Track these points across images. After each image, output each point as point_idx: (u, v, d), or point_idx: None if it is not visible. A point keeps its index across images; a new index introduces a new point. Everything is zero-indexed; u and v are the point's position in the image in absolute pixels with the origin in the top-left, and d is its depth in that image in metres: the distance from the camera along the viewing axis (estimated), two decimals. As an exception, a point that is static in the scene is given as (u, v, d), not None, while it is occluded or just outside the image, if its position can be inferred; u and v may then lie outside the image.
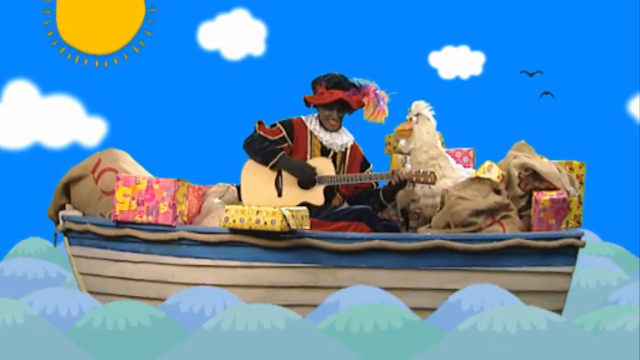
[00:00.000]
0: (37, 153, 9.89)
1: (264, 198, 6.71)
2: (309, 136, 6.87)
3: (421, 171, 6.66)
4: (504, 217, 6.54)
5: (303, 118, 6.92)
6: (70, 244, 6.78)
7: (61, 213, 6.82)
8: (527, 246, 6.38)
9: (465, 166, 7.03)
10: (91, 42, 9.77)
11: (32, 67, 9.84)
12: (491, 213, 6.52)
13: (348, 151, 6.90)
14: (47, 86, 9.90)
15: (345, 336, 5.34)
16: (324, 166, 6.77)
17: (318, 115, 6.89)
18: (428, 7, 10.22)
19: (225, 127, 9.52)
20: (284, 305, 6.04)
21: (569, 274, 6.49)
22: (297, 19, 10.07)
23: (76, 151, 9.74)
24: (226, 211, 6.36)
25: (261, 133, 6.79)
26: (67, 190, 6.82)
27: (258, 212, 6.26)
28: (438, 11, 10.23)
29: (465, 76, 10.34)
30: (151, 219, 6.48)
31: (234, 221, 6.31)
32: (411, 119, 6.86)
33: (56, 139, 9.91)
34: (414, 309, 6.09)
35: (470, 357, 4.87)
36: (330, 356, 5.03)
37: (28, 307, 5.18)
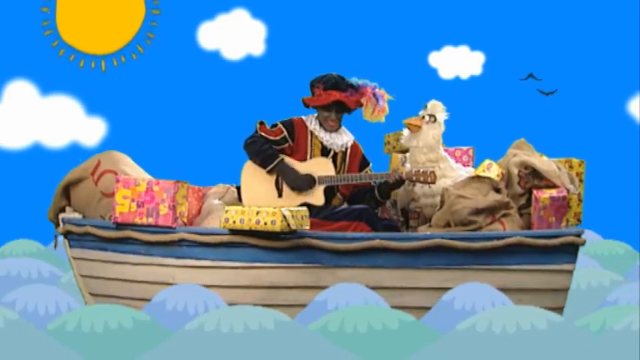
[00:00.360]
0: (36, 153, 9.90)
1: (265, 198, 6.70)
2: (309, 136, 6.86)
3: (421, 170, 6.65)
4: (504, 215, 6.54)
5: (303, 118, 6.92)
6: (71, 246, 6.78)
7: (61, 215, 6.81)
8: (528, 244, 6.38)
9: (464, 165, 7.03)
10: (91, 42, 9.77)
11: (32, 67, 9.86)
12: (492, 211, 6.51)
13: (349, 151, 6.89)
14: (47, 86, 9.91)
15: (338, 337, 5.34)
16: (324, 167, 6.77)
17: (318, 116, 6.89)
18: (428, 7, 10.23)
19: (225, 127, 9.53)
20: (285, 306, 6.09)
21: (570, 272, 6.48)
22: (297, 19, 10.07)
23: (75, 151, 9.76)
24: (226, 212, 6.36)
25: (262, 133, 6.79)
26: (66, 192, 6.81)
27: (258, 213, 6.25)
28: (438, 11, 10.24)
29: (464, 76, 10.35)
30: (151, 220, 6.47)
31: (234, 222, 6.30)
32: (423, 117, 6.83)
33: (56, 139, 9.93)
34: (415, 308, 6.10)
35: (469, 357, 4.87)
36: (318, 356, 5.03)
37: (5, 310, 5.17)
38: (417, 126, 6.81)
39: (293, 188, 6.71)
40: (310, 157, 6.83)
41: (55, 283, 7.50)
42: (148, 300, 6.24)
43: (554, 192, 6.50)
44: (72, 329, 5.36)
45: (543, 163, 6.59)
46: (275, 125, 6.84)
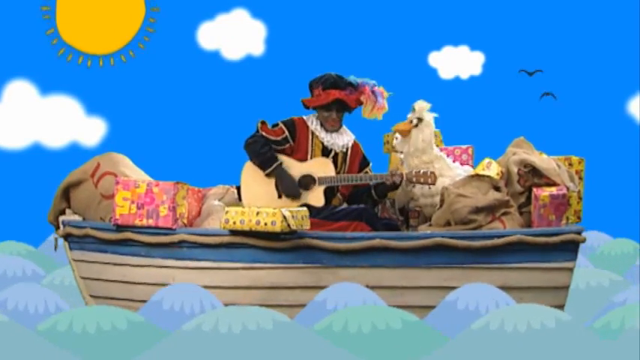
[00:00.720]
0: (36, 153, 9.90)
1: (264, 199, 6.70)
2: (310, 136, 6.85)
3: (421, 171, 6.64)
4: (504, 213, 6.53)
5: (304, 118, 6.90)
6: (71, 248, 6.78)
7: (61, 218, 6.81)
8: (528, 242, 6.38)
9: (463, 164, 7.02)
10: (91, 42, 9.77)
11: (32, 67, 9.85)
12: (491, 210, 6.51)
13: (349, 151, 6.88)
14: (47, 86, 9.91)
15: (342, 337, 5.33)
16: (324, 167, 6.75)
17: (318, 116, 6.88)
18: (427, 7, 10.22)
19: (225, 127, 9.52)
20: (286, 306, 6.08)
21: (570, 270, 6.48)
22: (297, 19, 10.07)
23: (75, 151, 9.76)
24: (226, 212, 6.35)
25: (263, 133, 6.77)
26: (66, 194, 6.81)
27: (258, 213, 6.25)
28: (438, 11, 10.24)
29: (464, 76, 10.35)
30: (151, 222, 6.47)
31: (234, 223, 6.30)
32: (411, 121, 6.84)
33: (56, 139, 9.92)
34: (416, 307, 6.09)
35: (484, 356, 4.88)
36: (317, 356, 5.02)
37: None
38: (407, 130, 6.81)
39: (286, 195, 6.69)
40: (311, 157, 6.82)
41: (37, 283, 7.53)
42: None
43: (553, 190, 6.49)
44: (64, 329, 5.36)
45: (543, 161, 6.59)
46: (276, 125, 6.83)
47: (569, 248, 6.45)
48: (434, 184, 6.63)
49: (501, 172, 6.62)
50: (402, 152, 6.91)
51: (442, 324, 5.70)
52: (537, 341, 4.92)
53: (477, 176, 6.62)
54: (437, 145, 6.98)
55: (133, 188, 6.48)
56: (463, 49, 10.35)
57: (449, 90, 10.18)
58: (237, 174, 6.82)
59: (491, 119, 10.01)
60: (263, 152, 6.73)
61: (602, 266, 8.19)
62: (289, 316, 5.38)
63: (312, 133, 6.85)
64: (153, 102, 9.95)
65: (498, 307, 5.60)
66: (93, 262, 6.68)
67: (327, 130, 6.85)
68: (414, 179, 6.62)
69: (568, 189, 6.54)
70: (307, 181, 6.73)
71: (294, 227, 6.25)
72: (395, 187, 6.71)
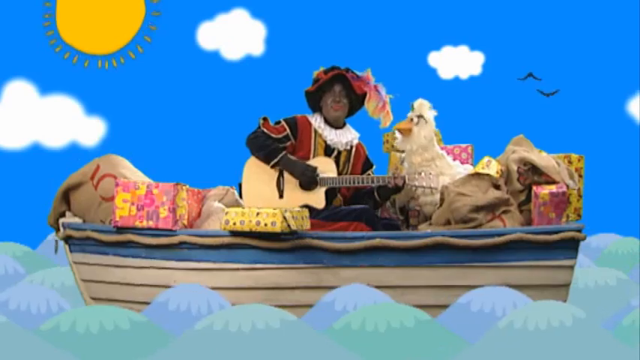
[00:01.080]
0: (36, 153, 9.90)
1: (265, 198, 6.69)
2: (313, 135, 6.82)
3: (423, 174, 6.59)
4: (504, 212, 6.53)
5: (308, 116, 6.88)
6: (71, 251, 6.78)
7: (61, 220, 6.81)
8: (528, 240, 6.37)
9: (463, 162, 7.02)
10: (91, 42, 9.77)
11: (31, 67, 9.86)
12: (492, 208, 6.51)
13: (353, 150, 6.85)
14: (46, 86, 9.92)
15: (360, 336, 5.35)
16: (326, 167, 6.73)
17: (323, 111, 6.84)
18: (427, 7, 10.23)
19: (225, 127, 9.53)
20: (287, 306, 6.06)
21: (571, 267, 6.47)
22: (297, 19, 10.08)
23: (75, 151, 9.77)
24: (226, 213, 6.35)
25: (265, 130, 6.75)
26: (66, 197, 6.81)
27: (258, 214, 6.25)
28: (438, 11, 10.24)
29: (464, 76, 10.35)
30: (151, 224, 6.47)
31: (234, 224, 6.30)
32: (412, 119, 6.83)
33: (55, 139, 9.93)
34: (417, 306, 6.07)
35: (515, 354, 4.92)
36: (324, 356, 5.01)
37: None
38: (408, 129, 6.80)
39: (303, 178, 6.66)
40: (313, 156, 6.79)
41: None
42: (150, 303, 6.24)
43: (553, 188, 6.49)
44: (66, 330, 5.37)
45: (542, 159, 6.59)
46: (278, 122, 6.80)
47: (570, 246, 6.44)
48: (436, 188, 6.60)
49: (501, 170, 6.62)
50: (403, 151, 6.90)
51: (457, 326, 5.70)
52: (563, 339, 4.96)
53: (477, 175, 6.62)
54: (437, 145, 6.97)
55: (133, 190, 6.48)
56: (463, 49, 10.35)
57: (448, 90, 10.19)
58: (237, 175, 6.82)
59: (490, 118, 10.01)
60: (267, 145, 6.71)
61: (606, 266, 8.18)
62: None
63: (315, 132, 6.82)
64: (152, 102, 9.95)
65: (515, 308, 5.58)
66: (93, 264, 6.68)
67: (331, 126, 6.81)
68: (417, 183, 6.57)
69: (568, 187, 6.54)
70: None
71: (294, 228, 6.24)
72: (397, 190, 6.68)
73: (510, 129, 7.74)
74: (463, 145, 7.17)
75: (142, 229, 6.49)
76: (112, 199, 6.61)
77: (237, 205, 6.89)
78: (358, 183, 6.67)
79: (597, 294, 7.12)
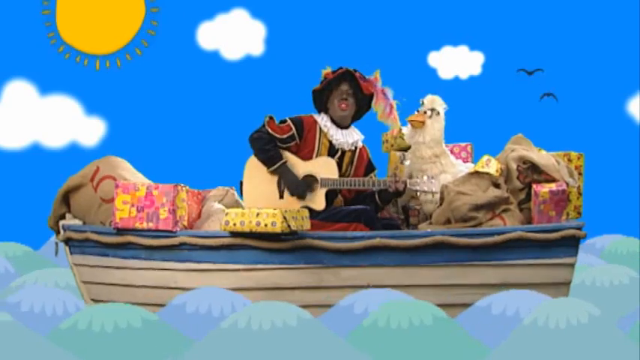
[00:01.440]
0: (35, 153, 9.91)
1: (265, 197, 6.68)
2: (318, 135, 6.78)
3: (425, 178, 6.57)
4: (504, 210, 6.53)
5: (314, 115, 6.85)
6: (72, 253, 6.78)
7: (61, 222, 6.81)
8: (529, 239, 6.37)
9: (463, 161, 7.01)
10: (91, 42, 9.78)
11: (31, 67, 9.87)
12: (491, 207, 6.50)
13: (357, 152, 6.83)
14: (46, 86, 9.93)
15: (385, 333, 5.37)
16: (328, 168, 6.68)
17: (329, 112, 6.82)
18: (427, 7, 10.23)
19: (224, 128, 9.53)
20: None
21: (572, 265, 6.47)
22: (297, 19, 10.08)
23: (74, 151, 9.78)
24: (226, 214, 6.35)
25: (270, 130, 6.71)
26: (66, 199, 6.81)
27: (258, 214, 6.25)
28: (437, 11, 10.25)
29: (463, 75, 10.36)
30: (151, 225, 6.47)
31: (234, 224, 6.30)
32: (425, 112, 6.80)
33: (55, 139, 9.93)
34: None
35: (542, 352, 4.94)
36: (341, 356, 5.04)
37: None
38: (422, 122, 6.77)
39: (292, 194, 6.66)
40: (317, 156, 6.77)
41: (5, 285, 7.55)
42: (150, 305, 6.26)
43: (553, 186, 6.49)
44: (83, 328, 5.38)
45: (542, 157, 6.59)
46: (284, 121, 6.76)
47: (570, 244, 6.44)
48: (437, 192, 6.58)
49: (500, 169, 6.61)
50: (407, 148, 6.87)
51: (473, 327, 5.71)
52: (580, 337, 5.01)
53: (477, 173, 6.61)
54: (437, 143, 6.98)
55: (133, 191, 6.48)
56: (462, 49, 10.36)
57: (448, 90, 10.16)
58: (237, 175, 6.81)
59: (489, 117, 10.01)
60: (267, 149, 6.68)
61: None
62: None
63: (321, 131, 6.78)
64: (152, 102, 9.96)
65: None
66: (94, 266, 6.68)
67: (337, 126, 6.79)
68: (418, 187, 6.55)
69: (567, 185, 6.54)
70: (309, 182, 6.70)
71: (294, 228, 6.24)
72: (398, 194, 6.66)
73: (510, 128, 7.75)
74: (463, 144, 7.16)
75: (142, 230, 6.49)
76: (111, 200, 6.61)
77: (237, 205, 6.88)
78: (359, 185, 6.63)
79: (611, 292, 7.12)
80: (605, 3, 10.28)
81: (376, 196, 6.74)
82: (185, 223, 6.58)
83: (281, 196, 6.71)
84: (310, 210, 6.54)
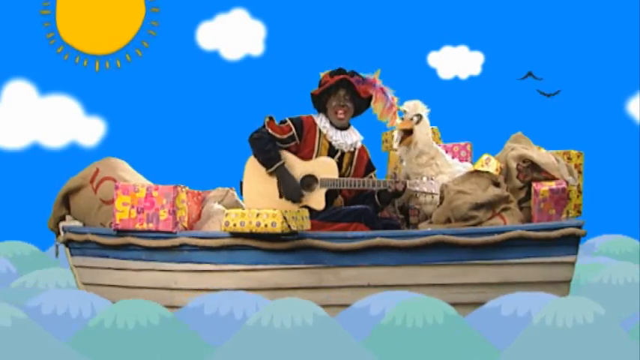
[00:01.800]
0: (35, 153, 9.91)
1: (265, 197, 6.67)
2: (317, 136, 6.78)
3: (424, 179, 6.57)
4: (504, 209, 6.53)
5: (313, 116, 6.84)
6: (72, 254, 6.78)
7: (61, 224, 6.81)
8: (529, 237, 6.37)
9: (462, 160, 7.01)
10: (91, 42, 9.78)
11: (31, 67, 9.88)
12: (491, 206, 6.50)
13: (356, 152, 6.83)
14: (46, 86, 9.94)
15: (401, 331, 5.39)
16: (327, 168, 6.68)
17: (328, 113, 6.82)
18: (427, 7, 10.23)
19: (224, 128, 9.53)
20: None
21: (572, 264, 6.48)
22: (296, 20, 10.09)
23: (74, 151, 9.79)
24: (226, 215, 6.35)
25: (270, 130, 6.70)
26: (66, 201, 6.81)
27: (258, 215, 6.24)
28: (437, 11, 10.25)
29: (463, 75, 10.36)
30: (151, 226, 6.48)
31: (234, 225, 6.30)
32: (411, 119, 6.80)
33: (55, 139, 9.94)
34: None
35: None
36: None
37: (15, 310, 5.18)
38: (409, 129, 6.76)
39: (286, 198, 6.65)
40: (316, 157, 6.76)
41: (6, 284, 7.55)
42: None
43: (553, 184, 6.49)
44: (109, 326, 5.40)
45: (541, 155, 6.59)
46: (284, 122, 6.74)
47: (570, 242, 6.44)
48: (437, 194, 6.58)
49: (500, 167, 6.61)
50: (403, 160, 6.88)
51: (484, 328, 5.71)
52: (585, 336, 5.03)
53: (476, 172, 6.61)
54: (436, 143, 6.97)
55: (133, 193, 6.48)
56: (462, 49, 10.36)
57: (448, 90, 10.19)
58: (237, 176, 6.80)
59: (489, 118, 10.01)
60: (267, 150, 6.67)
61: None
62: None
63: (320, 132, 6.78)
64: (152, 102, 9.97)
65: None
66: (94, 267, 6.68)
67: (336, 128, 6.79)
68: (417, 188, 6.55)
69: (567, 183, 6.54)
70: (309, 182, 6.69)
71: (294, 228, 6.24)
72: (397, 195, 6.65)
73: (509, 127, 7.74)
74: (462, 143, 7.15)
75: (143, 231, 6.49)
76: (111, 202, 6.61)
77: (237, 206, 6.88)
78: (359, 185, 6.63)
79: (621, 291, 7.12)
80: (605, 3, 10.28)
81: (375, 197, 6.73)
82: (185, 224, 6.58)
83: (281, 196, 6.70)
84: (310, 210, 6.54)
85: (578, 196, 6.80)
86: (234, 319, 5.78)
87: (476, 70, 10.36)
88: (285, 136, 6.71)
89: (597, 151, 8.86)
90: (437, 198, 6.65)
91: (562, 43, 10.31)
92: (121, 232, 6.53)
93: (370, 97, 6.78)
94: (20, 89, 9.92)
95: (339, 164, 6.76)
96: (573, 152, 6.84)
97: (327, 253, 6.37)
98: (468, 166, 6.84)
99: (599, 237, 9.06)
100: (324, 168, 6.68)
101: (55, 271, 7.52)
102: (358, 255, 6.37)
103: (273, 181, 6.70)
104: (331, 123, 6.79)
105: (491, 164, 6.60)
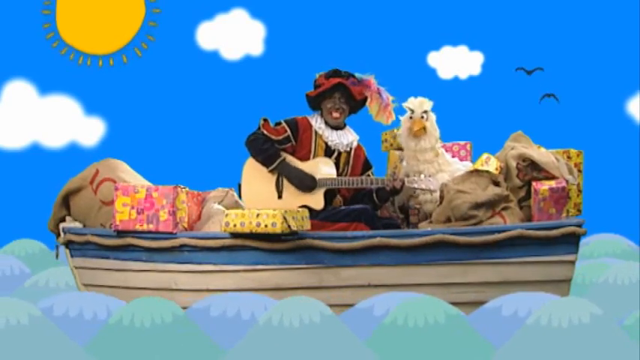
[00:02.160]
0: (35, 153, 9.91)
1: (264, 198, 6.67)
2: (313, 136, 6.78)
3: (422, 177, 6.57)
4: (504, 208, 6.53)
5: (308, 117, 6.85)
6: (72, 255, 6.78)
7: (61, 225, 6.81)
8: (529, 236, 6.37)
9: (462, 160, 7.01)
10: (91, 42, 9.79)
11: (31, 67, 9.88)
12: (491, 205, 6.50)
13: (353, 152, 6.83)
14: (45, 86, 9.94)
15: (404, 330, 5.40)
16: (325, 168, 6.69)
17: (322, 114, 6.82)
18: (426, 7, 10.24)
19: (224, 128, 9.53)
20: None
21: (572, 263, 6.47)
22: (296, 20, 10.09)
23: (74, 151, 9.79)
24: (226, 215, 6.35)
25: (265, 131, 6.71)
26: (66, 202, 6.81)
27: (258, 215, 6.24)
28: (437, 11, 10.25)
29: (463, 75, 10.36)
30: (151, 227, 6.47)
31: (234, 225, 6.30)
32: (422, 117, 6.79)
33: (54, 139, 9.94)
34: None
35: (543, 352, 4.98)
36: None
37: (32, 307, 5.19)
38: (423, 128, 6.76)
39: (299, 188, 6.65)
40: (313, 157, 6.76)
41: (20, 284, 7.55)
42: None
43: (553, 183, 6.49)
44: (127, 324, 5.41)
45: (541, 154, 6.58)
46: (279, 124, 6.75)
47: (570, 241, 6.44)
48: (435, 190, 6.58)
49: (500, 166, 6.61)
50: (403, 160, 6.87)
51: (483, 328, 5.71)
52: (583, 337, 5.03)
53: (476, 172, 6.60)
54: (435, 142, 6.98)
55: (133, 194, 6.48)
56: (462, 49, 10.36)
57: (448, 90, 10.19)
58: (237, 176, 6.80)
59: (489, 117, 10.01)
60: (265, 149, 6.68)
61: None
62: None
63: (316, 133, 6.78)
64: (152, 102, 9.97)
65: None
66: (94, 268, 6.68)
67: (331, 127, 6.79)
68: (416, 185, 6.55)
69: (567, 182, 6.53)
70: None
71: (294, 228, 6.24)
72: (395, 192, 6.65)
73: (509, 126, 7.74)
74: (462, 143, 7.15)
75: (143, 232, 6.49)
76: (111, 203, 6.61)
77: (237, 206, 6.88)
78: (357, 184, 6.63)
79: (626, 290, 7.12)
80: (605, 3, 10.28)
81: (374, 195, 6.74)
82: (185, 224, 6.57)
83: (280, 197, 6.70)
84: (310, 210, 6.54)
85: (578, 195, 6.80)
86: (242, 320, 5.78)
87: (476, 70, 10.37)
88: (280, 138, 6.72)
89: (597, 151, 8.86)
90: (436, 196, 6.65)
91: (562, 43, 10.31)
92: (121, 233, 6.53)
93: (365, 99, 6.79)
94: (20, 89, 9.92)
95: (336, 164, 6.77)
96: (573, 151, 6.83)
97: (328, 253, 6.37)
98: (467, 166, 6.84)
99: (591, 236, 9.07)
100: (322, 168, 6.69)
101: (64, 270, 7.51)
102: (358, 255, 6.36)
103: (272, 182, 6.70)
104: (326, 123, 6.79)
105: (491, 163, 6.59)
